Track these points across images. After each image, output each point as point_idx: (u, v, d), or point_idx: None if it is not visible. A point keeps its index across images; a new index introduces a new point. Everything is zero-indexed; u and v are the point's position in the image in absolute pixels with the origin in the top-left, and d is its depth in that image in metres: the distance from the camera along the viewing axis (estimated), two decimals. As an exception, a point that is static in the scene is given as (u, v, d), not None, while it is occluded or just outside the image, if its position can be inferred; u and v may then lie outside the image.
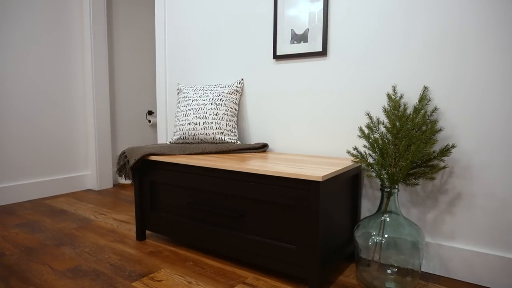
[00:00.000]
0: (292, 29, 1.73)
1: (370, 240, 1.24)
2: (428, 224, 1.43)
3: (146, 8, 3.23)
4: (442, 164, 1.34)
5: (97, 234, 1.82)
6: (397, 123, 1.28)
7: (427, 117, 1.31)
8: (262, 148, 1.80)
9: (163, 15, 2.28)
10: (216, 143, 1.79)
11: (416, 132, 1.26)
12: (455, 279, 1.37)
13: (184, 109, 1.89)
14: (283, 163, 1.42)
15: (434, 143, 1.24)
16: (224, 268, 1.45)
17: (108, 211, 2.27)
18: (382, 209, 1.28)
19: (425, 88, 1.35)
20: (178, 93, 2.02)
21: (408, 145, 1.22)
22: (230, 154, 1.68)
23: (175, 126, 1.92)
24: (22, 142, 2.47)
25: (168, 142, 1.98)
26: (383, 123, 1.36)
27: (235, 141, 1.82)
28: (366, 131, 1.35)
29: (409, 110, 1.40)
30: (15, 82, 2.41)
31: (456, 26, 1.33)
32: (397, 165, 1.24)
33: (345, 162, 1.46)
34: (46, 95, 2.59)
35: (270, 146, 1.87)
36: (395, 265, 1.25)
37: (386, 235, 1.23)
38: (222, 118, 1.79)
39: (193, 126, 1.81)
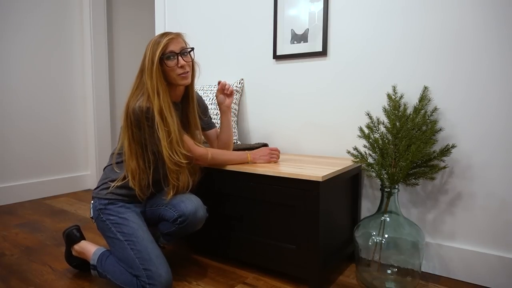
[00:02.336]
0: (292, 29, 1.73)
1: (370, 240, 1.24)
2: (428, 224, 1.43)
3: (146, 9, 3.23)
4: (442, 164, 1.34)
5: (97, 234, 1.82)
6: (397, 123, 1.28)
7: (427, 117, 1.31)
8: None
9: (163, 15, 2.28)
10: (216, 143, 1.79)
11: (416, 132, 1.26)
12: (455, 279, 1.37)
13: (184, 109, 1.89)
14: (283, 163, 1.43)
15: (434, 143, 1.25)
16: (224, 268, 1.45)
17: (108, 211, 2.27)
18: (382, 209, 1.28)
19: (425, 88, 1.35)
20: (178, 93, 2.02)
21: (408, 145, 1.22)
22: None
23: (175, 126, 1.92)
24: (22, 142, 2.47)
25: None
26: (383, 123, 1.36)
27: (235, 141, 1.82)
28: (366, 131, 1.35)
29: (409, 110, 1.40)
30: (15, 83, 2.41)
31: (455, 25, 1.33)
32: (397, 165, 1.24)
33: (345, 162, 1.46)
34: (46, 96, 2.59)
35: (270, 146, 1.87)
36: (395, 265, 1.25)
37: (386, 235, 1.23)
38: (222, 118, 1.79)
39: (193, 126, 1.81)
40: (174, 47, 1.22)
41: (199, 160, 1.32)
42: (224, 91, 1.46)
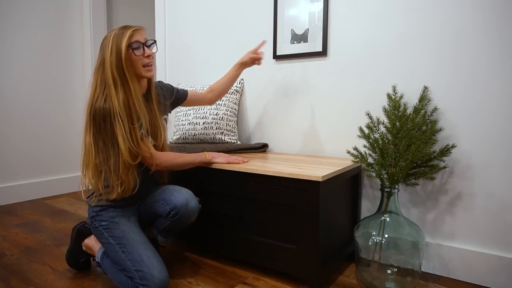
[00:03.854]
0: (292, 29, 1.73)
1: (370, 240, 1.24)
2: (428, 224, 1.43)
3: (146, 9, 3.23)
4: (442, 164, 1.34)
5: (97, 234, 1.82)
6: (397, 123, 1.28)
7: (427, 117, 1.31)
8: (262, 148, 1.80)
9: (163, 15, 2.28)
10: (216, 143, 1.79)
11: (416, 132, 1.26)
12: (455, 279, 1.37)
13: (184, 109, 1.89)
14: (283, 163, 1.43)
15: (434, 143, 1.24)
16: (224, 268, 1.45)
17: (108, 211, 2.27)
18: (382, 209, 1.28)
19: (425, 88, 1.35)
20: (178, 93, 2.01)
21: (408, 145, 1.22)
22: (230, 154, 1.68)
23: (175, 126, 1.92)
24: (22, 142, 2.47)
25: (168, 142, 1.98)
26: (383, 123, 1.36)
27: (235, 141, 1.82)
28: (366, 131, 1.35)
29: (409, 110, 1.40)
30: (15, 83, 2.41)
31: (455, 25, 1.33)
32: (397, 165, 1.24)
33: (345, 162, 1.46)
34: (46, 95, 2.59)
35: (270, 146, 1.87)
36: (395, 265, 1.25)
37: (386, 235, 1.23)
38: (222, 118, 1.79)
39: (193, 126, 1.81)
40: (140, 38, 1.21)
41: (159, 164, 1.29)
42: (255, 60, 1.59)
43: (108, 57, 1.17)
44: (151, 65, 1.24)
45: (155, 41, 1.28)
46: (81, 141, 1.24)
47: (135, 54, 1.20)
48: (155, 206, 1.31)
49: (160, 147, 1.35)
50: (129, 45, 1.18)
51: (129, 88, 1.18)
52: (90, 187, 1.27)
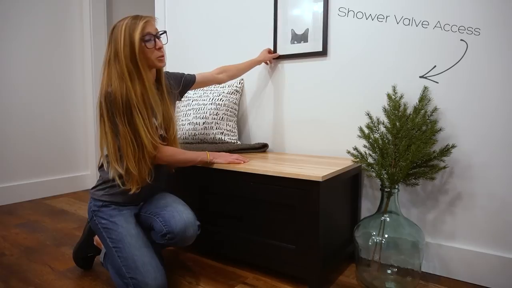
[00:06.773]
0: (292, 29, 1.73)
1: (370, 240, 1.24)
2: (428, 224, 1.43)
3: (146, 9, 3.23)
4: (442, 164, 1.34)
5: (97, 234, 1.82)
6: (397, 123, 1.28)
7: (427, 117, 1.31)
8: (262, 148, 1.80)
9: (163, 15, 2.28)
10: (216, 143, 1.79)
11: (416, 132, 1.26)
12: (455, 279, 1.37)
13: (184, 109, 1.89)
14: (283, 163, 1.42)
15: (434, 143, 1.24)
16: (224, 268, 1.45)
17: (108, 211, 2.27)
18: (382, 209, 1.28)
19: (425, 88, 1.35)
20: (178, 93, 2.01)
21: (408, 145, 1.22)
22: (231, 154, 1.68)
23: (175, 126, 1.92)
24: (22, 142, 2.47)
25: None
26: (383, 123, 1.36)
27: (235, 141, 1.82)
28: (366, 131, 1.35)
29: (409, 110, 1.40)
30: (15, 83, 2.41)
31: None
32: (397, 165, 1.24)
33: (345, 162, 1.46)
34: (46, 96, 2.59)
35: (270, 146, 1.87)
36: (395, 265, 1.25)
37: (386, 235, 1.23)
38: (222, 118, 1.79)
39: (193, 126, 1.81)
40: (151, 29, 1.20)
41: (160, 157, 1.25)
42: (268, 62, 1.80)
43: (122, 49, 1.15)
44: (163, 55, 1.24)
45: (165, 32, 1.27)
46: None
47: (147, 47, 1.19)
48: (153, 220, 1.25)
49: (171, 139, 1.32)
50: (141, 38, 1.17)
51: (144, 81, 1.18)
52: (106, 176, 1.24)
